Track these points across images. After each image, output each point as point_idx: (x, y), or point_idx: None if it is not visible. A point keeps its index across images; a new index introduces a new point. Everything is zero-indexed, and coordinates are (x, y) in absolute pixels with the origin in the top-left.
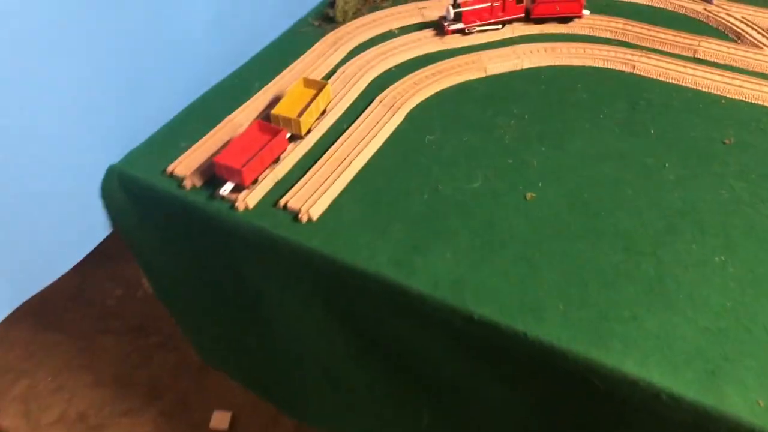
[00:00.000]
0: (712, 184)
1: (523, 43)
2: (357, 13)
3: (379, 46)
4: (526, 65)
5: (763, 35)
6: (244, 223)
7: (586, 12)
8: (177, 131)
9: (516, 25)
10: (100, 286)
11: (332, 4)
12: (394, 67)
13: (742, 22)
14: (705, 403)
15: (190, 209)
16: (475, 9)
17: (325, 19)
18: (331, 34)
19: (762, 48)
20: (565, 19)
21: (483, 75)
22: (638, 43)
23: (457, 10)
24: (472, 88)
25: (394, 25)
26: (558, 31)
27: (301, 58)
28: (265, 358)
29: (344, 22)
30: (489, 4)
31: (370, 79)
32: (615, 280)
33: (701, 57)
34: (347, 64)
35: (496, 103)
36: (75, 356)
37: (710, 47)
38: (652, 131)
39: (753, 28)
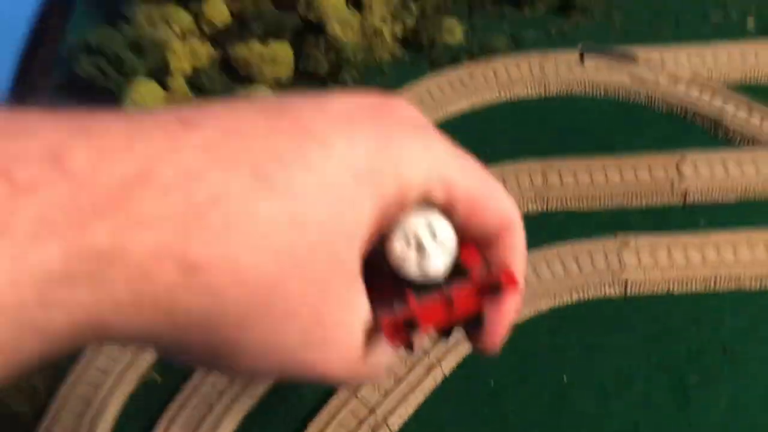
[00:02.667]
0: None
1: None
2: None
3: None
4: None
5: (749, 109)
6: None
7: None
8: None
9: None
10: None
11: None
12: None
13: (696, 85)
14: None
15: None
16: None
17: None
18: None
19: None
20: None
21: None
22: (576, 207)
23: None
24: None
25: None
26: None
27: None
28: None
29: None
30: None
31: None
32: None
33: (693, 201)
34: None
35: None
36: None
37: (700, 180)
38: None
39: (728, 100)
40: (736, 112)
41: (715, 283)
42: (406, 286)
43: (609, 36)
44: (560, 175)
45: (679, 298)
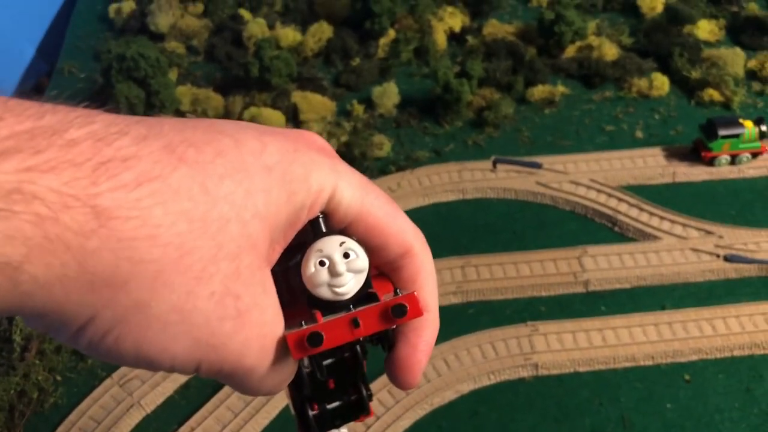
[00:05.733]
0: None
1: None
2: None
3: None
4: None
5: (639, 207)
6: None
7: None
8: None
9: None
10: None
11: None
12: None
13: (594, 188)
14: None
15: None
16: None
17: None
18: None
19: (658, 237)
20: None
21: None
22: (491, 298)
23: None
24: None
25: None
26: None
27: None
28: None
29: None
30: None
31: None
32: None
33: (594, 289)
34: None
35: None
36: None
37: (599, 270)
38: None
39: (620, 200)
40: (628, 211)
41: (614, 361)
42: (316, 307)
43: (518, 147)
44: (477, 270)
45: (584, 375)
